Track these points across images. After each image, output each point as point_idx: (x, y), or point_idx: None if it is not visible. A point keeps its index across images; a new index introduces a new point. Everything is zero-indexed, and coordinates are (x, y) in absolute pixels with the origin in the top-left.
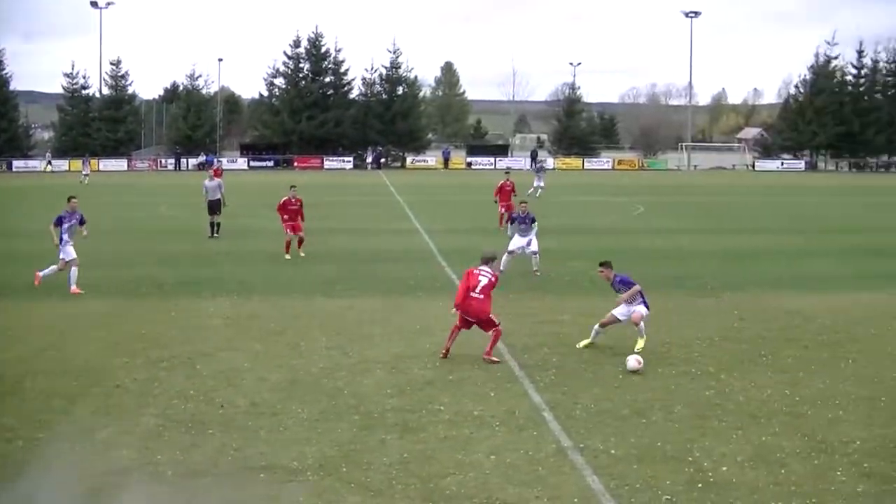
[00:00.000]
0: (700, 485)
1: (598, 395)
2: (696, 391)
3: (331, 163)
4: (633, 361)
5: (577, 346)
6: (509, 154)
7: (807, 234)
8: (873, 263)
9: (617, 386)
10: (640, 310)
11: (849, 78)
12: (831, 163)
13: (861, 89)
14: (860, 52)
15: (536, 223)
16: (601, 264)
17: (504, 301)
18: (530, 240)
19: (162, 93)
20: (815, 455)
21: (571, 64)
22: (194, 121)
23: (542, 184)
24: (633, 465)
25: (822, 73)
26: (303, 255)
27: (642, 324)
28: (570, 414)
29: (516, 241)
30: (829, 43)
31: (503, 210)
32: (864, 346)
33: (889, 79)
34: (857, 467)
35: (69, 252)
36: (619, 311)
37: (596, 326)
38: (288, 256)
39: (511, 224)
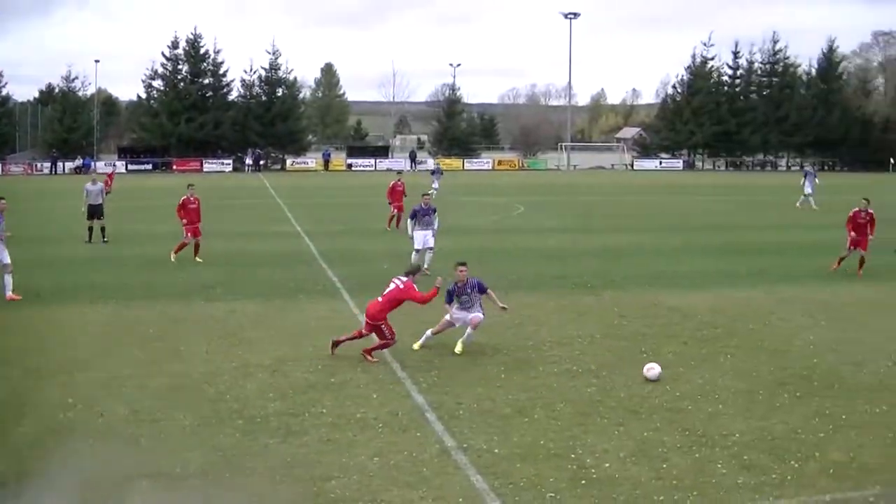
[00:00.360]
0: (583, 481)
1: (481, 394)
2: (577, 389)
3: (210, 165)
4: (654, 371)
5: (413, 347)
6: (389, 155)
7: (685, 232)
8: (750, 261)
9: (499, 385)
10: (480, 315)
11: (725, 78)
12: (709, 162)
13: (737, 89)
14: (736, 54)
15: (437, 214)
16: (461, 263)
17: None
18: (433, 231)
19: (37, 94)
20: (695, 449)
21: (451, 65)
22: (70, 123)
23: (437, 186)
24: (517, 464)
25: (699, 74)
26: (199, 260)
27: (472, 330)
28: (453, 414)
29: (419, 237)
30: (705, 44)
31: (395, 211)
32: (742, 342)
33: (764, 79)
34: (737, 459)
35: (4, 257)
36: (458, 316)
37: (429, 333)
38: (174, 259)
39: (411, 220)
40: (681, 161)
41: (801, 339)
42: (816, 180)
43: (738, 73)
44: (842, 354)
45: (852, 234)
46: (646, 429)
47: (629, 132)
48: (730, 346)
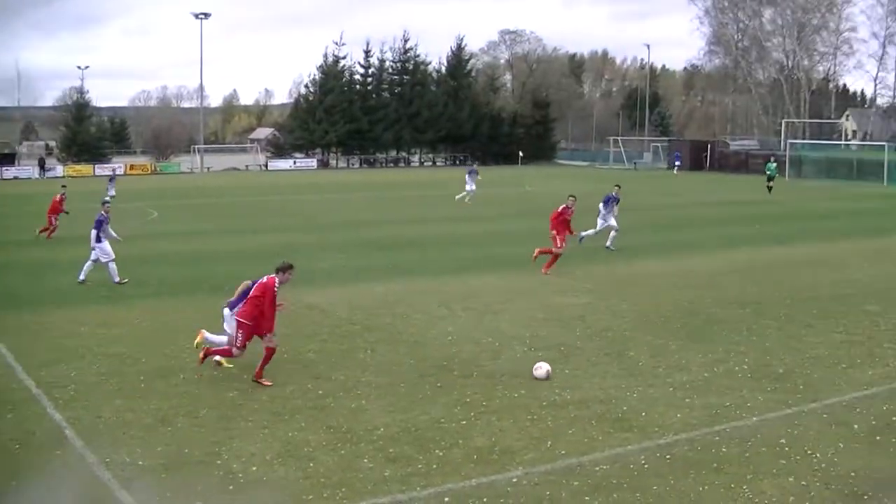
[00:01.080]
0: (231, 486)
1: (121, 406)
2: (220, 394)
3: None
4: (541, 370)
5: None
6: (16, 163)
7: (322, 230)
8: (387, 255)
9: (139, 395)
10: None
11: (357, 77)
12: (343, 160)
13: (369, 88)
14: (367, 52)
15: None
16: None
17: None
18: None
19: None
20: (341, 445)
21: (80, 67)
22: None
23: (113, 193)
24: (162, 475)
25: (331, 73)
26: None
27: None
28: (93, 428)
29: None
30: (337, 43)
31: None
32: (382, 336)
33: (395, 77)
34: (383, 453)
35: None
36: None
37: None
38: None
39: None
40: (315, 160)
41: (440, 329)
42: (479, 177)
43: (370, 71)
44: (479, 343)
45: (559, 232)
46: (290, 429)
47: (263, 133)
48: (370, 341)
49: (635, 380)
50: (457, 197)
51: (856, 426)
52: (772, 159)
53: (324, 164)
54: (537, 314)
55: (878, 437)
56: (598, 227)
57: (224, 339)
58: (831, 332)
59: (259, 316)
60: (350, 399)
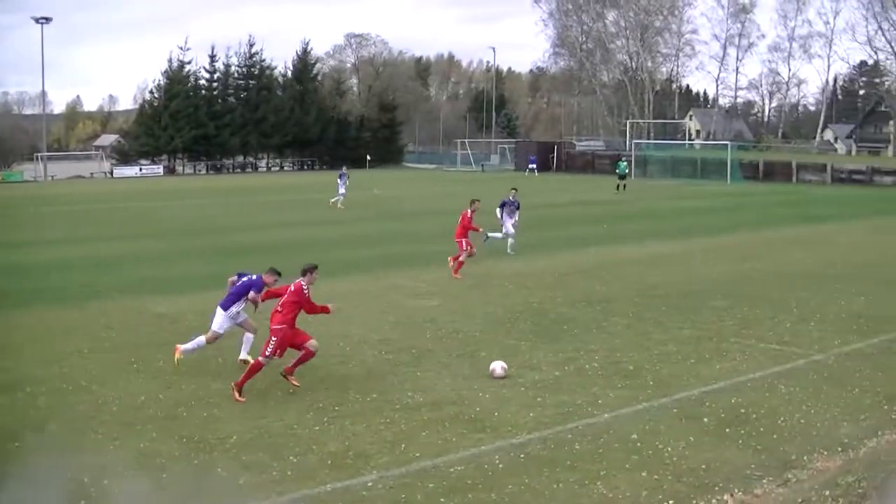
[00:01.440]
0: (83, 501)
1: None
2: (69, 407)
3: None
4: (499, 369)
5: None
6: None
7: (168, 237)
8: (237, 262)
9: None
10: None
11: (202, 82)
12: (189, 166)
13: (215, 93)
14: (212, 57)
15: None
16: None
17: None
18: None
19: None
20: (194, 455)
21: None
22: None
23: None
24: (9, 492)
25: (176, 79)
26: None
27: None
28: None
29: None
30: (181, 48)
31: None
32: (232, 343)
33: (241, 82)
34: (237, 461)
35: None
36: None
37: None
38: None
39: None
40: (161, 167)
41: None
42: (348, 182)
43: (216, 76)
44: (331, 348)
45: (463, 236)
46: (142, 440)
47: (108, 139)
48: (220, 349)
49: (487, 380)
50: (330, 201)
51: (705, 420)
52: (623, 158)
53: (170, 171)
54: (388, 317)
55: (727, 430)
56: (503, 233)
57: (200, 339)
58: (679, 328)
59: (293, 321)
60: (202, 408)
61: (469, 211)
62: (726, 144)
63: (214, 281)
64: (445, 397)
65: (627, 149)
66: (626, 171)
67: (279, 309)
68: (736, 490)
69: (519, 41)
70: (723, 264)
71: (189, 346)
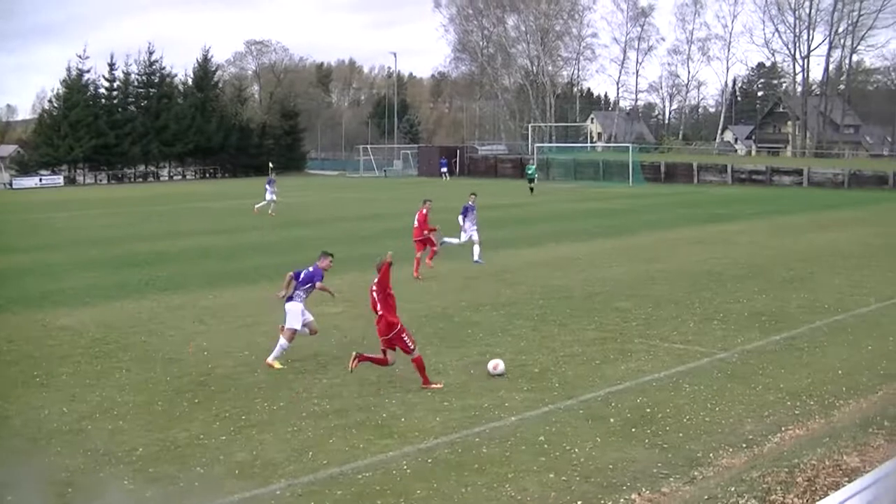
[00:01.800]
0: None
1: None
2: None
3: None
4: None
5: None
6: None
7: (69, 248)
8: (140, 272)
9: None
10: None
11: (102, 91)
12: (90, 176)
13: (115, 102)
14: (112, 66)
15: None
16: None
17: None
18: None
19: None
20: (100, 468)
21: None
22: None
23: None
24: None
25: (75, 88)
26: None
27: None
28: None
29: None
30: (80, 57)
31: None
32: (137, 354)
33: (142, 90)
34: (143, 473)
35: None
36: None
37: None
38: None
39: None
40: (61, 177)
41: (196, 345)
42: (276, 188)
43: (116, 85)
44: (236, 357)
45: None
46: (47, 455)
47: (6, 150)
48: (124, 360)
49: (393, 386)
50: (256, 207)
51: (611, 420)
52: (531, 162)
53: (70, 181)
54: None
55: (633, 430)
56: (461, 239)
57: (283, 342)
58: (584, 329)
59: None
60: (107, 420)
61: (424, 210)
62: (628, 147)
63: (118, 291)
64: (352, 404)
65: (530, 152)
66: (535, 174)
67: (379, 310)
68: (643, 489)
69: (420, 46)
70: (626, 265)
71: (276, 354)
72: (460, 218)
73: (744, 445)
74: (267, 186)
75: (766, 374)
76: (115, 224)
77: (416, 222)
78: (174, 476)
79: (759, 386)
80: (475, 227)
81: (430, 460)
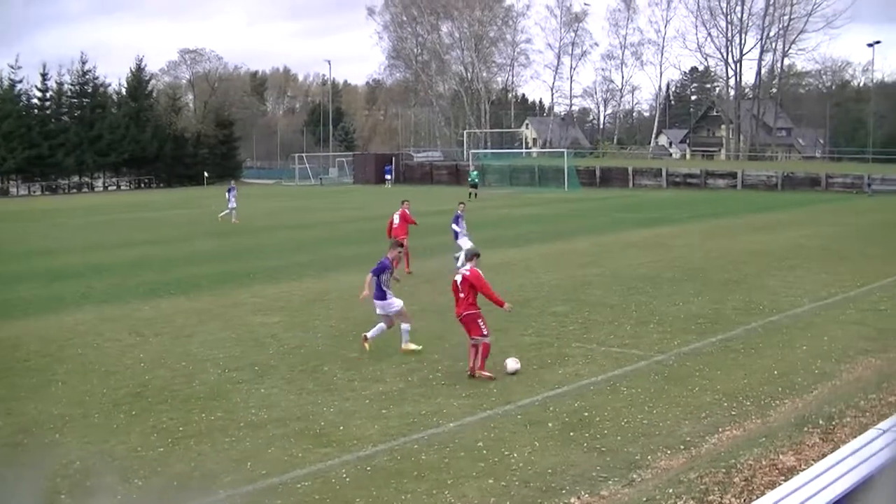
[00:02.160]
0: None
1: None
2: None
3: None
4: (512, 363)
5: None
6: None
7: (3, 261)
8: (73, 284)
9: None
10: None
11: (35, 101)
12: (24, 187)
13: (48, 112)
14: (44, 76)
15: None
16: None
17: None
18: None
19: None
20: (35, 482)
21: None
22: None
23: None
24: None
25: (8, 98)
26: None
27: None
28: None
29: None
30: (12, 67)
31: None
32: (73, 367)
33: (75, 100)
34: (80, 487)
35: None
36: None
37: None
38: None
39: None
40: None
41: (132, 357)
42: (236, 195)
43: (49, 95)
44: (173, 368)
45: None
46: None
47: None
48: (61, 373)
49: (331, 394)
50: (220, 215)
51: (550, 424)
52: (473, 168)
53: (3, 193)
54: (230, 335)
55: (571, 434)
56: (468, 243)
57: (405, 326)
58: (521, 335)
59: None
60: (44, 433)
61: (404, 209)
62: (563, 152)
63: (53, 304)
64: (290, 413)
65: (465, 159)
66: (478, 180)
67: (463, 296)
68: (582, 492)
69: (355, 54)
70: (562, 270)
71: (405, 338)
72: (454, 227)
73: (681, 447)
74: (228, 194)
75: (703, 376)
76: (51, 235)
77: (395, 222)
78: (112, 488)
79: (696, 388)
80: (468, 236)
81: (369, 468)
